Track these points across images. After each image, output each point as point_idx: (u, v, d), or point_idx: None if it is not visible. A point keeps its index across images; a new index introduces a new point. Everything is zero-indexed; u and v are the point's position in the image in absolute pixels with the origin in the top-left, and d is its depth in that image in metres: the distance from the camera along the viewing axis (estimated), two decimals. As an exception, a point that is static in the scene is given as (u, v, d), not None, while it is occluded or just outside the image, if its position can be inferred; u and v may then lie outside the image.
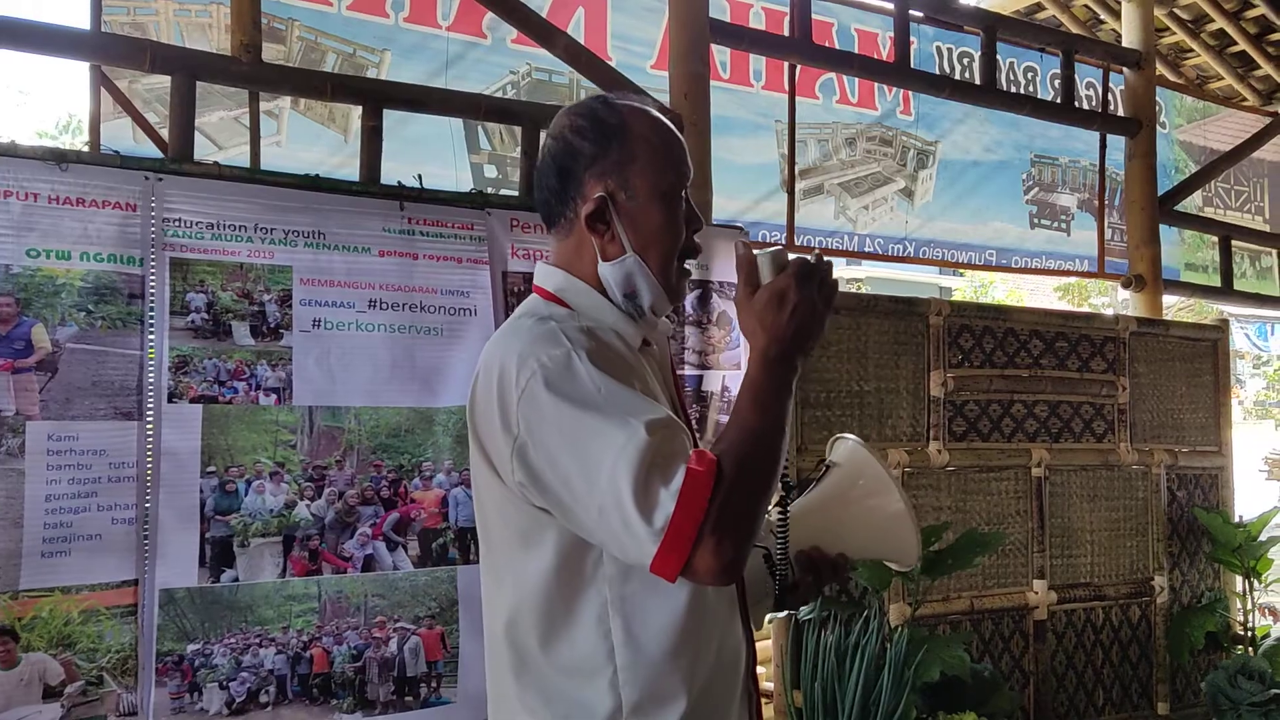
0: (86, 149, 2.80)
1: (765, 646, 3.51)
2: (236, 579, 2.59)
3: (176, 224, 2.59)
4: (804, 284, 1.31)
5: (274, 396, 2.66)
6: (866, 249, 4.85)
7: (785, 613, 1.78)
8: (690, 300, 3.42)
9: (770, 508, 1.37)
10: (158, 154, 2.78)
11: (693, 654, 1.35)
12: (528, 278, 2.99)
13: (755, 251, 1.34)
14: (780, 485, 1.36)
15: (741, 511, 1.22)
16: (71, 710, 2.39)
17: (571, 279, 1.45)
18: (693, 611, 1.34)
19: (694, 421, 1.85)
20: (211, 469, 2.57)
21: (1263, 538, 3.76)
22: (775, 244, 1.33)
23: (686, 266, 1.48)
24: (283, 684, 2.61)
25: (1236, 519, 3.93)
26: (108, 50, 2.75)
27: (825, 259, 1.35)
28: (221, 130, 3.24)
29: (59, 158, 2.47)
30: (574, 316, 1.40)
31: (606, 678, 1.33)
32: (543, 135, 1.55)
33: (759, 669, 3.57)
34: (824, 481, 1.53)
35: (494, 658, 1.43)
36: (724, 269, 3.54)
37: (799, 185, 4.37)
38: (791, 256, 1.34)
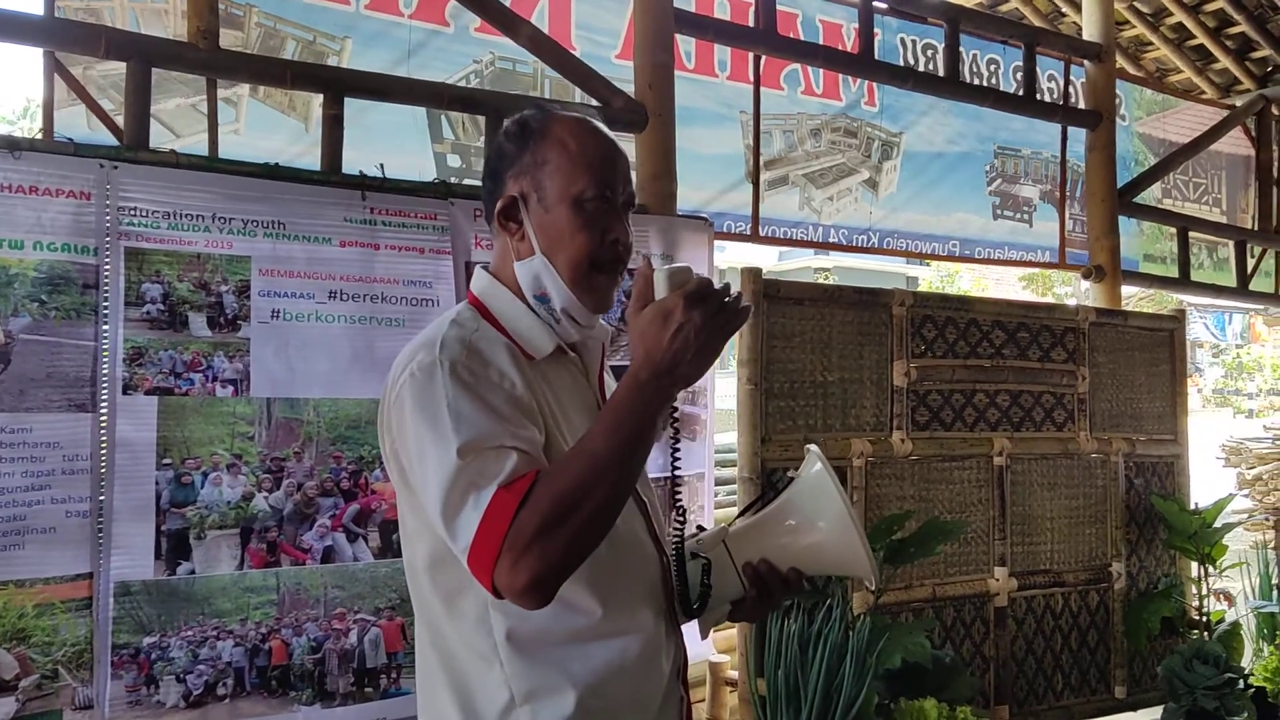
0: (40, 136, 2.75)
1: (730, 635, 3.53)
2: (193, 571, 2.56)
3: (132, 213, 2.55)
4: (694, 306, 1.21)
5: (231, 388, 2.63)
6: (831, 240, 4.87)
7: (739, 623, 1.77)
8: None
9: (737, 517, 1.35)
10: (113, 142, 2.74)
11: (586, 646, 1.36)
12: (478, 268, 2.98)
13: (656, 267, 1.27)
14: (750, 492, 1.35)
15: (544, 534, 1.19)
16: (26, 704, 2.37)
17: (494, 283, 1.47)
18: (569, 611, 1.35)
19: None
20: (167, 461, 2.54)
21: (1217, 524, 3.82)
22: (682, 264, 1.28)
23: (616, 276, 1.45)
24: (241, 676, 2.60)
25: (1192, 506, 3.99)
26: (61, 36, 2.70)
27: (736, 291, 1.31)
28: (179, 118, 3.19)
29: (11, 145, 2.42)
30: (477, 322, 1.42)
31: (495, 671, 1.35)
32: None
33: (723, 658, 3.59)
34: (780, 498, 1.52)
35: (419, 639, 1.47)
36: (690, 260, 3.54)
37: (764, 176, 4.37)
38: (699, 276, 1.26)
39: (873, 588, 1.58)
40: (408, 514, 1.42)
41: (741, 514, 1.63)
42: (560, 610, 1.32)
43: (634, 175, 3.61)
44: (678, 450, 1.43)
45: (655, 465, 3.31)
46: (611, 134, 1.49)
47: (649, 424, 1.24)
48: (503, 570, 1.20)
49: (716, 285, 1.26)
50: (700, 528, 1.51)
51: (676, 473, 1.45)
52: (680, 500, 1.46)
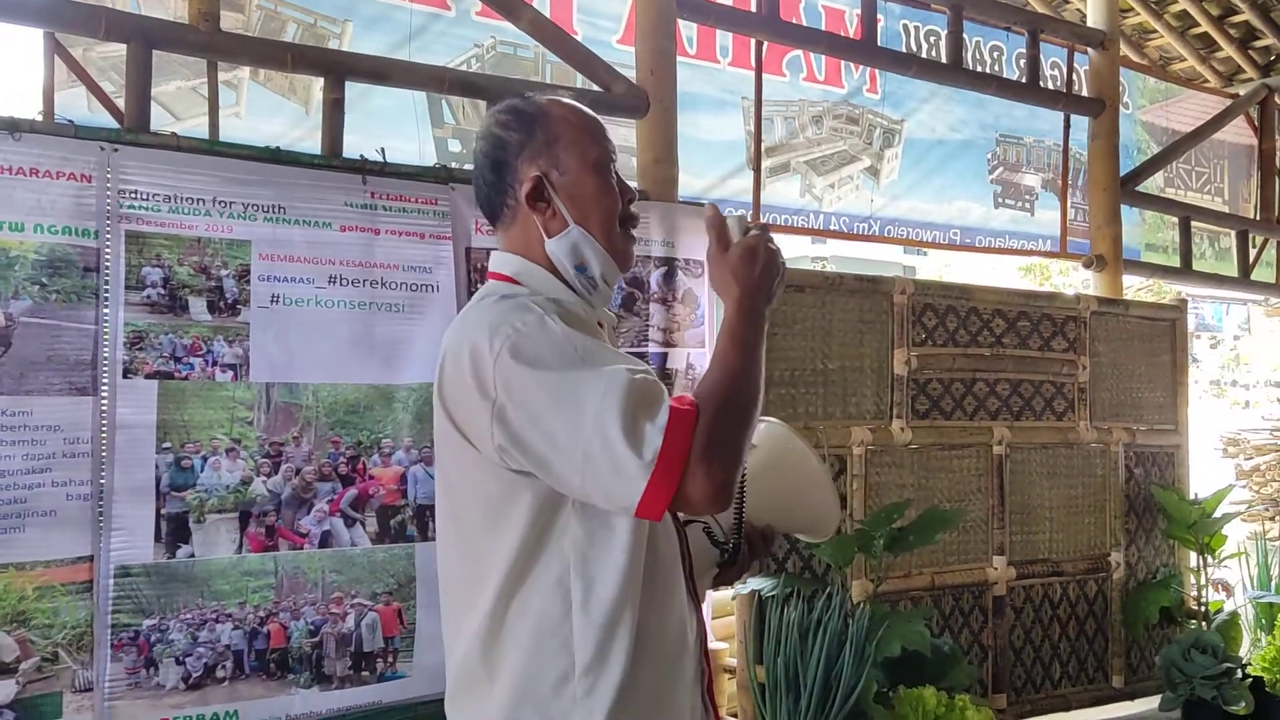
0: (41, 118, 2.74)
1: (729, 623, 3.54)
2: (192, 555, 2.57)
3: (133, 196, 2.55)
4: (769, 244, 1.44)
5: (231, 373, 2.63)
6: (831, 227, 4.85)
7: (721, 586, 1.86)
8: (656, 277, 3.41)
9: None
10: (113, 124, 2.73)
11: (635, 620, 1.40)
12: (498, 254, 2.97)
13: (726, 215, 1.46)
14: None
15: (725, 440, 1.31)
16: (26, 686, 2.37)
17: (526, 263, 1.52)
18: (637, 580, 1.41)
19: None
20: (167, 445, 2.54)
21: (1217, 514, 3.82)
22: (739, 212, 1.49)
23: (633, 234, 1.57)
24: (240, 659, 2.60)
25: (1192, 496, 3.99)
26: (61, 17, 2.68)
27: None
28: (179, 100, 3.18)
29: (12, 127, 2.41)
30: (533, 295, 1.47)
31: (561, 638, 1.38)
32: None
33: (721, 645, 3.61)
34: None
35: (457, 629, 1.47)
36: (690, 246, 3.53)
37: (765, 163, 4.35)
38: (756, 223, 1.49)
39: (830, 532, 1.67)
40: (500, 483, 1.40)
41: None
42: (624, 579, 1.38)
43: (634, 161, 3.61)
44: None
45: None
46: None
47: (761, 341, 1.42)
48: (695, 478, 1.28)
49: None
50: None
51: None
52: None
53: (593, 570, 1.38)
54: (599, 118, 1.57)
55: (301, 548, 2.70)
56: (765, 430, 1.65)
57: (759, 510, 1.60)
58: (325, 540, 2.73)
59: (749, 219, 1.48)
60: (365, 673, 2.77)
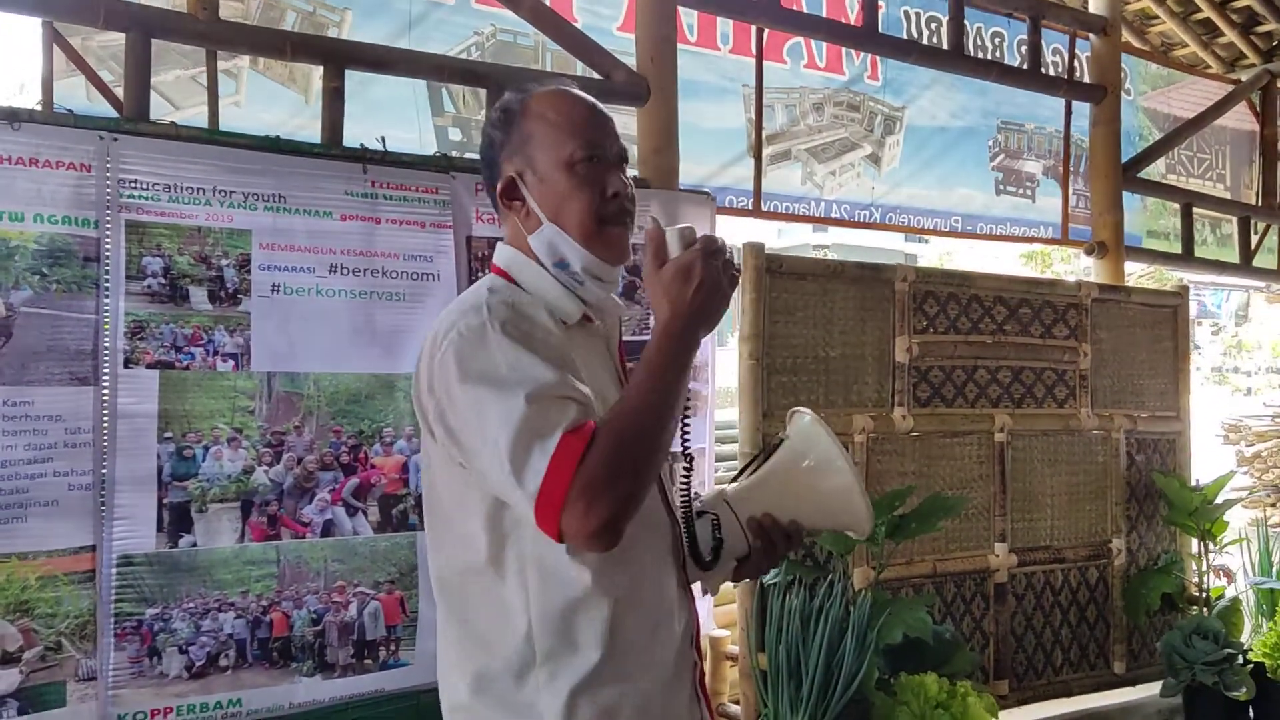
0: (39, 108, 2.73)
1: (731, 611, 3.54)
2: (195, 544, 2.57)
3: (132, 185, 2.54)
4: (710, 260, 1.34)
5: (232, 362, 2.63)
6: (833, 215, 4.84)
7: (744, 580, 1.82)
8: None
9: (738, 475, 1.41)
10: (113, 114, 2.72)
11: (607, 608, 1.39)
12: (492, 242, 2.95)
13: (664, 228, 1.38)
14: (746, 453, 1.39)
15: (613, 478, 1.25)
16: (30, 676, 2.38)
17: (518, 255, 1.52)
18: (606, 570, 1.39)
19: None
20: (169, 435, 2.54)
21: (1218, 501, 3.82)
22: (687, 224, 1.40)
23: (626, 227, 1.50)
24: (242, 648, 2.61)
25: (1193, 483, 3.99)
26: (59, 6, 2.68)
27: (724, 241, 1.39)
28: (178, 90, 3.17)
29: (11, 116, 2.41)
30: (512, 290, 1.47)
31: (523, 628, 1.38)
32: None
33: (724, 632, 3.61)
34: (778, 452, 1.58)
35: (439, 614, 1.50)
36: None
37: (766, 151, 4.35)
38: (703, 234, 1.38)
39: (864, 536, 1.62)
40: (455, 476, 1.42)
41: (737, 477, 1.67)
42: (590, 569, 1.37)
43: (635, 149, 3.60)
44: (687, 417, 1.46)
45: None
46: (591, 97, 1.54)
47: (685, 370, 1.35)
48: (574, 514, 1.24)
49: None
50: (696, 495, 1.55)
51: (685, 437, 1.47)
52: (688, 449, 1.49)
53: (550, 561, 1.37)
54: (593, 107, 1.52)
55: (304, 537, 2.71)
56: (796, 421, 1.58)
57: (782, 506, 1.53)
58: (327, 529, 2.74)
59: (697, 231, 1.39)
60: (368, 661, 2.78)
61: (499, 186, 1.50)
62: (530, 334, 1.36)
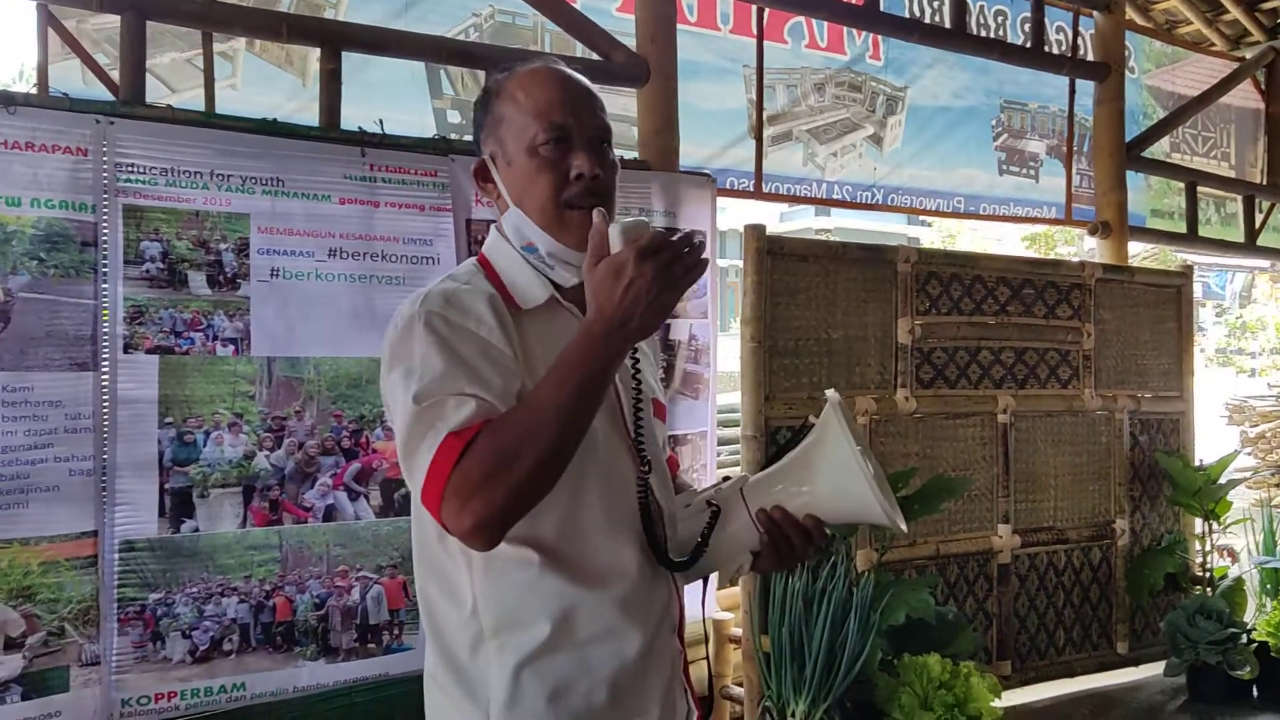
0: (35, 91, 2.72)
1: (734, 593, 3.54)
2: (197, 529, 2.57)
3: (129, 169, 2.53)
4: (645, 260, 1.21)
5: (231, 347, 2.62)
6: (834, 196, 4.82)
7: (762, 573, 1.76)
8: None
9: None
10: (109, 97, 2.70)
11: (558, 586, 1.39)
12: (491, 225, 2.96)
13: (613, 223, 1.28)
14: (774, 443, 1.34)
15: (487, 480, 1.23)
16: (33, 661, 2.38)
17: (499, 238, 1.53)
18: (557, 549, 1.39)
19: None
20: (169, 420, 2.54)
21: (1222, 481, 3.81)
22: (639, 219, 1.28)
23: (599, 211, 1.34)
24: (246, 632, 2.61)
25: (1197, 463, 3.97)
26: (54, -11, 2.66)
27: (697, 239, 1.27)
28: (174, 72, 3.15)
29: (6, 100, 2.40)
30: (470, 275, 1.47)
31: (469, 603, 1.40)
32: None
33: (727, 615, 3.60)
34: (798, 447, 1.49)
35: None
36: (691, 217, 3.51)
37: (767, 132, 4.33)
38: (655, 230, 1.25)
39: (900, 537, 1.53)
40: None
41: (768, 464, 1.60)
42: (532, 544, 1.37)
43: (635, 131, 3.58)
44: (640, 409, 1.45)
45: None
46: (570, 73, 1.50)
47: (599, 377, 1.27)
48: (449, 513, 1.25)
49: (696, 240, 1.26)
50: (724, 479, 1.51)
51: (639, 433, 1.45)
52: (644, 452, 1.45)
53: None
54: (564, 85, 1.47)
55: (305, 521, 2.71)
56: (825, 409, 1.46)
57: (798, 501, 1.44)
58: (329, 514, 2.74)
59: (651, 223, 1.29)
60: (371, 645, 2.78)
61: (473, 168, 1.53)
62: (457, 326, 1.35)
